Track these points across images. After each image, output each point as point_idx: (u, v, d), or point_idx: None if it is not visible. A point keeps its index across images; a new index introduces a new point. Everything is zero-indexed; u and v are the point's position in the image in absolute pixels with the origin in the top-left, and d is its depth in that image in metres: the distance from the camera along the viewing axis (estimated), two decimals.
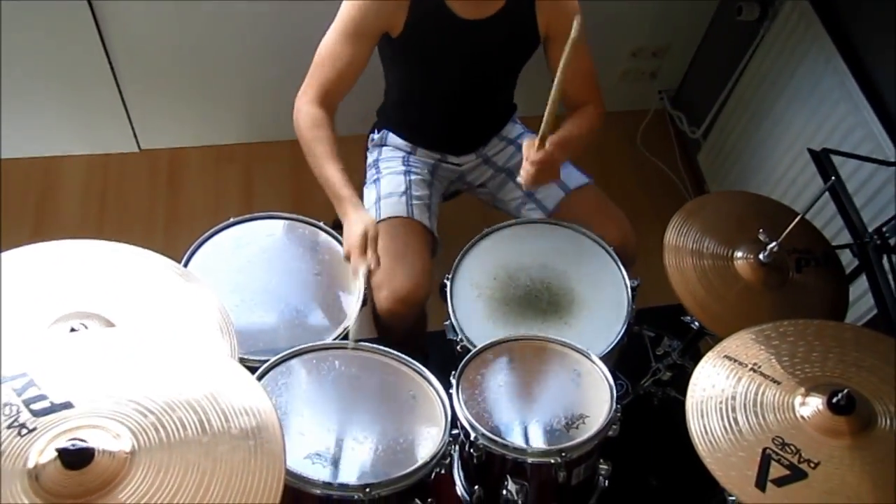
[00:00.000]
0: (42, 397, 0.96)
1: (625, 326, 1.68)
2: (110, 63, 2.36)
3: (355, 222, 1.66)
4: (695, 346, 2.01)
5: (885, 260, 1.58)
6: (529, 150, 1.65)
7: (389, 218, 1.81)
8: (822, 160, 1.73)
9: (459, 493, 1.58)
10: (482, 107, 1.93)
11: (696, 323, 1.77)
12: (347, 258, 1.67)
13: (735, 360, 1.28)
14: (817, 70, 2.11)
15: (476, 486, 1.52)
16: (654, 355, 2.09)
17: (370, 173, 1.95)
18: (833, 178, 1.61)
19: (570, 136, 1.75)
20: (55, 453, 0.90)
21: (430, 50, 1.73)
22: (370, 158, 1.99)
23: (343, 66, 1.70)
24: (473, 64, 1.77)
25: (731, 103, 2.53)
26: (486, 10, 1.68)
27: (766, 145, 2.37)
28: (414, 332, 1.86)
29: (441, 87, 1.83)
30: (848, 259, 1.72)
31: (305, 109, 1.72)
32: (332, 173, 1.69)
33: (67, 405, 0.95)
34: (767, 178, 2.36)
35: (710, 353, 1.31)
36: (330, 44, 1.70)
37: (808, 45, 2.13)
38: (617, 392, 1.48)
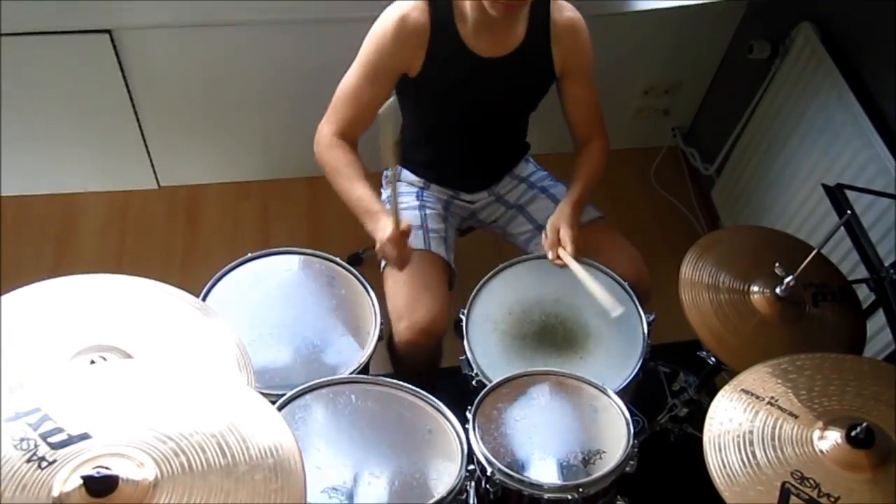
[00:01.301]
0: (59, 430, 0.97)
1: (640, 361, 1.68)
2: (132, 101, 2.41)
3: (384, 225, 1.65)
4: (711, 382, 2.00)
5: None
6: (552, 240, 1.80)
7: None
8: (837, 195, 1.73)
9: None
10: (496, 145, 1.96)
11: (713, 358, 1.77)
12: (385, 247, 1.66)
13: (752, 394, 1.27)
14: (829, 106, 2.13)
15: None
16: (669, 391, 2.07)
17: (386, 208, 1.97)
18: (848, 212, 1.61)
19: (584, 196, 1.87)
20: (80, 481, 0.91)
21: (448, 88, 1.76)
22: (384, 194, 2.01)
23: (363, 105, 1.73)
24: (490, 101, 1.80)
25: (744, 140, 2.55)
26: (504, 48, 1.72)
27: (779, 181, 2.38)
28: (428, 366, 1.86)
29: (456, 125, 1.86)
30: (865, 293, 1.71)
31: (325, 142, 1.76)
32: (361, 192, 1.71)
33: (85, 436, 0.96)
34: (781, 213, 2.36)
35: (726, 387, 1.31)
36: (350, 82, 1.73)
37: (820, 81, 2.15)
38: (634, 428, 1.48)
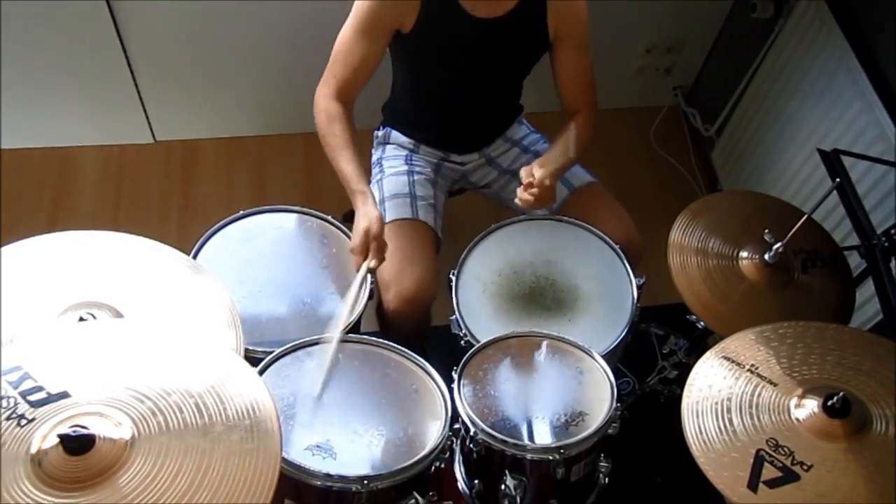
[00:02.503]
0: (38, 388, 0.99)
1: (628, 325, 1.68)
2: (126, 55, 2.39)
3: (361, 218, 1.67)
4: (702, 345, 2.01)
5: (892, 262, 1.57)
6: (526, 176, 1.67)
7: (396, 220, 1.83)
8: (832, 161, 1.71)
9: (460, 486, 1.59)
10: (487, 106, 1.93)
11: (702, 322, 1.77)
12: (353, 253, 1.69)
13: (733, 361, 1.28)
14: (831, 68, 2.10)
15: (476, 481, 1.54)
16: (660, 353, 2.08)
17: (374, 172, 1.97)
18: (840, 177, 1.60)
19: (564, 164, 1.77)
20: (57, 439, 0.92)
21: (440, 47, 1.74)
22: (374, 156, 2.00)
23: (357, 62, 1.71)
24: (482, 62, 1.77)
25: (745, 101, 2.52)
26: (498, 8, 1.69)
27: (779, 144, 2.36)
28: (417, 331, 1.87)
29: (447, 85, 1.84)
30: (856, 261, 1.71)
31: (323, 104, 1.74)
32: (344, 166, 1.71)
33: (64, 395, 0.98)
34: (780, 176, 2.34)
35: (707, 354, 1.32)
36: (344, 40, 1.71)
37: (822, 43, 2.12)
38: (623, 389, 1.49)
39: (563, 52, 1.79)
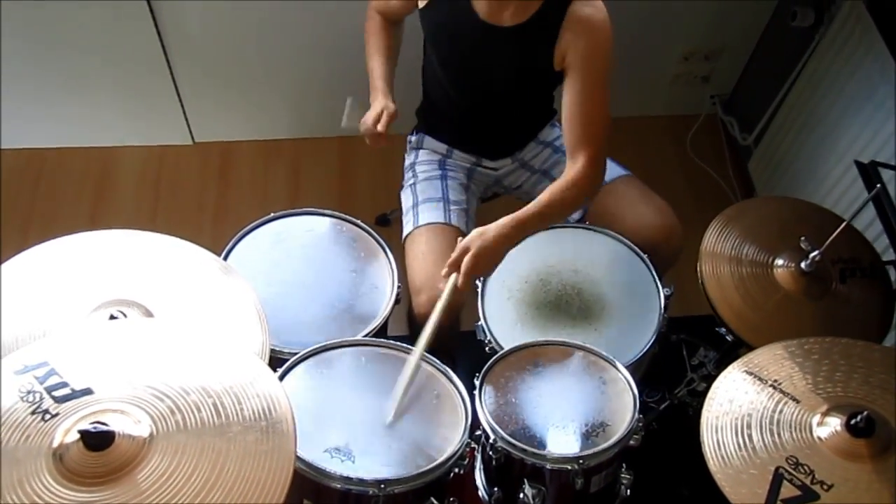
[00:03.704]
0: (63, 384, 1.01)
1: (655, 335, 1.66)
2: (167, 57, 2.45)
3: (377, 102, 1.77)
4: (732, 357, 1.97)
5: None
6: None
7: (428, 224, 1.83)
8: (870, 172, 1.68)
9: (480, 493, 1.59)
10: (513, 114, 1.90)
11: (730, 336, 1.74)
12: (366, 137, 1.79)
13: (756, 376, 1.26)
14: (872, 78, 2.05)
15: (495, 488, 1.53)
16: (689, 365, 2.06)
17: (407, 176, 1.98)
18: (878, 186, 1.55)
19: (528, 218, 1.60)
20: (78, 435, 0.95)
21: (440, 37, 1.75)
22: (407, 161, 2.01)
23: (393, 4, 1.84)
24: (489, 69, 1.74)
25: (783, 110, 2.48)
26: (506, 17, 1.64)
27: (818, 154, 2.31)
28: (446, 336, 1.87)
29: (466, 89, 1.83)
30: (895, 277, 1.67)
31: (370, 11, 1.88)
32: (373, 65, 1.84)
33: (87, 391, 1.00)
34: (818, 187, 2.30)
35: (730, 367, 1.30)
36: None
37: (864, 52, 2.07)
38: (651, 399, 1.47)
39: (568, 84, 1.65)
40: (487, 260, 1.57)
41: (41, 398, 0.99)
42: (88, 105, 2.60)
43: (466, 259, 1.54)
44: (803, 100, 2.37)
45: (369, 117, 1.75)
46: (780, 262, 1.58)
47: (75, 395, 1.00)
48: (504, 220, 1.58)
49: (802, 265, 1.55)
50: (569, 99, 1.66)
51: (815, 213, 1.74)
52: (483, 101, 1.85)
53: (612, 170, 1.89)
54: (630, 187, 1.87)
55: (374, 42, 1.86)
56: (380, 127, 1.72)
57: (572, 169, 1.64)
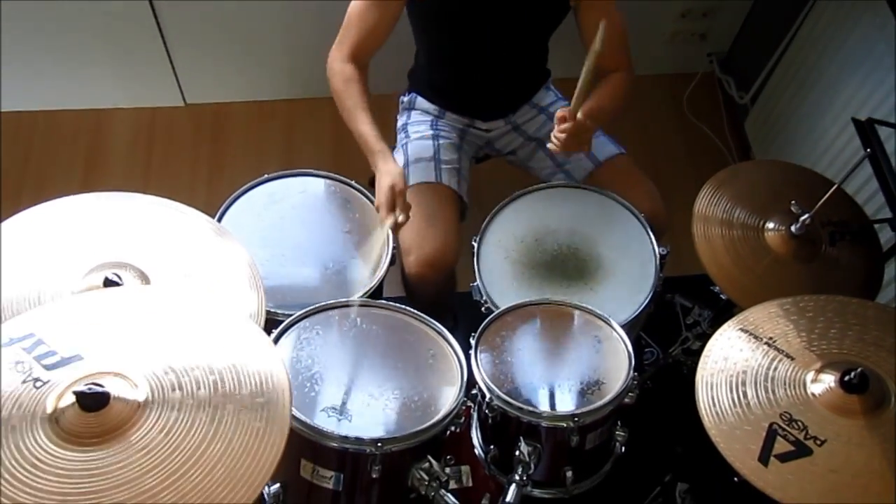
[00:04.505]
0: (52, 353, 1.02)
1: (650, 295, 1.67)
2: (157, 18, 2.41)
3: (384, 175, 1.66)
4: (727, 316, 1.98)
5: None
6: (561, 118, 1.62)
7: (418, 183, 1.82)
8: (867, 130, 1.67)
9: (477, 451, 1.61)
10: (509, 70, 1.88)
11: (724, 294, 1.75)
12: (378, 210, 1.68)
13: (751, 334, 1.26)
14: (871, 35, 2.03)
15: (492, 446, 1.55)
16: (684, 324, 2.07)
17: (399, 137, 1.96)
18: (873, 147, 1.55)
19: (600, 107, 1.69)
20: (73, 398, 0.96)
21: (452, 10, 1.71)
22: (399, 122, 1.99)
23: (371, 26, 1.70)
24: (496, 24, 1.73)
25: (781, 68, 2.46)
26: None
27: (815, 113, 2.30)
28: (442, 295, 1.87)
29: (466, 50, 1.81)
30: (887, 236, 1.67)
31: (337, 66, 1.74)
32: (363, 128, 1.70)
33: (77, 358, 1.01)
34: (815, 146, 2.29)
35: (726, 325, 1.30)
36: (359, 2, 1.70)
37: (862, 10, 2.05)
38: (646, 359, 1.48)
39: (587, 12, 1.70)
40: (581, 136, 1.63)
41: (31, 367, 1.00)
42: (79, 67, 2.57)
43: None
44: (801, 58, 2.35)
45: (381, 200, 1.64)
46: (770, 225, 1.58)
47: (64, 362, 1.01)
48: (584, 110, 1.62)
49: (792, 228, 1.56)
50: (591, 24, 1.64)
51: (806, 176, 1.74)
52: (482, 59, 1.82)
53: (607, 148, 1.89)
54: (621, 168, 1.88)
55: (351, 103, 1.72)
56: (401, 218, 1.62)
57: (617, 76, 1.76)
